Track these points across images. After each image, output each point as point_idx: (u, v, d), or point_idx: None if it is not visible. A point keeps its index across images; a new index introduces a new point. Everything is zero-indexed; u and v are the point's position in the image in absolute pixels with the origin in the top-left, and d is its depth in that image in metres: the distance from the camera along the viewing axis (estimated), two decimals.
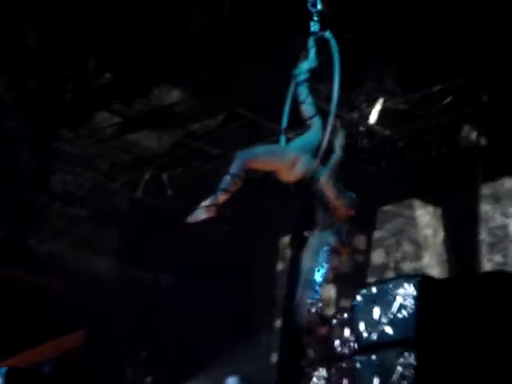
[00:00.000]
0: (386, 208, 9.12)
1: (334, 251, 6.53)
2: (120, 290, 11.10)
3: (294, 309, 6.39)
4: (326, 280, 6.73)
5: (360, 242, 9.14)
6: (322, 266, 6.53)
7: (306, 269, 6.47)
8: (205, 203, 6.20)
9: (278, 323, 10.23)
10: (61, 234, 10.85)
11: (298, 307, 6.47)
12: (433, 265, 8.74)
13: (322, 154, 6.22)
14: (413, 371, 5.90)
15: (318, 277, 6.53)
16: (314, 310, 6.57)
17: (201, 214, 6.21)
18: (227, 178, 6.22)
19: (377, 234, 9.11)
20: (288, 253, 10.29)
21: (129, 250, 11.08)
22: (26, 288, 10.78)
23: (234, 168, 6.24)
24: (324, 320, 6.71)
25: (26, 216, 10.60)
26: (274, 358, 10.15)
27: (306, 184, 6.37)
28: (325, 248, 6.52)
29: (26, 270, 10.65)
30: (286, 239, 10.41)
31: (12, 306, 10.82)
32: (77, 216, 10.74)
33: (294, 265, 6.41)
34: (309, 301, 6.53)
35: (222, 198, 6.25)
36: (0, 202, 10.15)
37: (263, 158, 6.39)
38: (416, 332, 6.03)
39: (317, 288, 6.55)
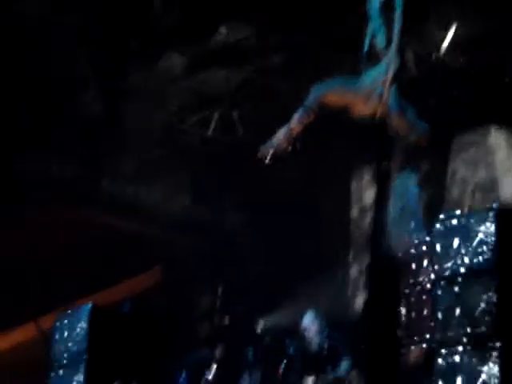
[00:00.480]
0: (461, 137, 9.01)
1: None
2: (193, 228, 11.21)
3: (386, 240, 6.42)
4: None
5: (435, 173, 9.07)
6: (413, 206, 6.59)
7: (396, 205, 6.51)
8: (278, 135, 6.23)
9: (352, 258, 10.26)
10: (132, 174, 10.97)
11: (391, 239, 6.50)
12: (510, 194, 8.64)
13: (391, 83, 6.20)
14: (494, 304, 5.92)
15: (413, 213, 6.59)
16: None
17: (274, 145, 6.25)
18: (301, 110, 6.25)
19: (452, 165, 9.02)
20: (362, 189, 10.33)
21: (200, 188, 11.17)
22: (99, 228, 10.99)
23: (309, 100, 6.26)
24: None
25: (98, 157, 10.72)
26: (349, 293, 10.21)
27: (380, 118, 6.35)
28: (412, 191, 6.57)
29: (99, 210, 10.83)
30: (360, 175, 10.40)
31: (87, 246, 11.03)
32: (148, 156, 10.82)
33: (381, 199, 6.44)
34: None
35: (295, 130, 6.27)
36: (71, 142, 10.30)
37: (338, 90, 6.37)
38: (496, 263, 6.04)
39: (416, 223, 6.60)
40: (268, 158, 6.25)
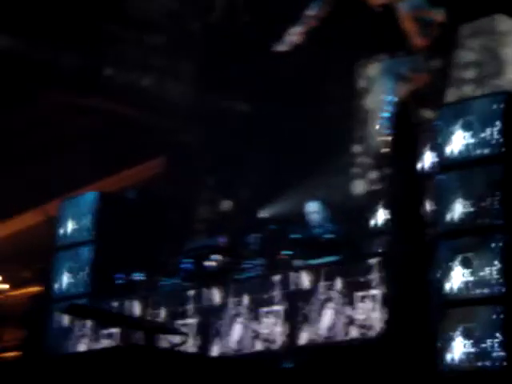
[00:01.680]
0: (468, 25, 8.87)
1: (404, 79, 6.49)
2: (198, 116, 11.18)
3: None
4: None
5: (441, 61, 8.97)
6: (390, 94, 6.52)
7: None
8: (293, 29, 6.14)
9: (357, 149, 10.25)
10: (136, 62, 10.87)
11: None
12: None
13: None
14: (499, 185, 5.92)
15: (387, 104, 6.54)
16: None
17: (289, 40, 6.17)
18: (315, 2, 6.15)
19: (459, 53, 8.90)
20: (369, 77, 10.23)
21: (206, 76, 11.08)
22: (104, 116, 10.98)
23: None
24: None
25: (102, 45, 10.62)
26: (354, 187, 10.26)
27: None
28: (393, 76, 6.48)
29: (105, 98, 10.80)
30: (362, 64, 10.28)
31: (93, 133, 11.06)
32: (152, 43, 10.70)
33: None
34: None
35: (309, 23, 6.19)
36: (74, 30, 10.18)
37: None
38: (502, 147, 6.02)
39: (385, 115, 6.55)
40: (283, 49, 6.22)
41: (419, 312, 6.03)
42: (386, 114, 6.49)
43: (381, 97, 6.53)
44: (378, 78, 6.56)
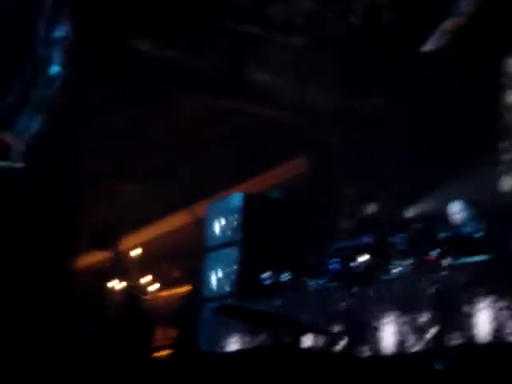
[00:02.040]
0: None
1: None
2: (339, 117, 11.19)
3: None
4: None
5: None
6: None
7: None
8: (442, 28, 6.04)
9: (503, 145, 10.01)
10: (279, 65, 10.97)
11: None
12: None
13: None
14: None
15: None
16: None
17: (438, 39, 6.08)
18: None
19: None
20: None
21: (347, 77, 11.06)
22: (248, 119, 11.14)
23: None
24: None
25: (244, 48, 10.77)
26: (501, 184, 10.00)
27: None
28: None
29: (246, 101, 10.95)
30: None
31: (235, 134, 11.23)
32: (293, 45, 10.77)
33: None
34: None
35: (459, 21, 6.07)
36: (219, 34, 10.37)
37: None
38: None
39: None
40: (431, 48, 6.14)
41: None
42: None
43: None
44: None
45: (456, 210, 8.37)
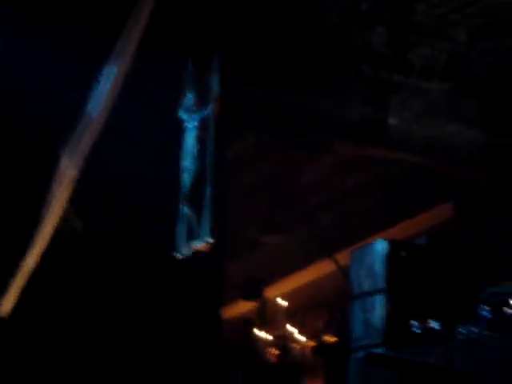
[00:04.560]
0: None
1: None
2: (485, 161, 10.92)
3: None
4: None
5: None
6: None
7: None
8: None
9: None
10: (419, 110, 10.85)
11: None
12: None
13: None
14: None
15: None
16: None
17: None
18: None
19: None
20: None
21: (493, 119, 10.81)
22: (391, 165, 11.04)
23: None
24: None
25: (384, 94, 10.71)
26: None
27: None
28: None
29: (388, 147, 10.87)
30: None
31: (379, 181, 11.14)
32: (435, 90, 10.64)
33: None
34: None
35: None
36: (360, 82, 10.37)
37: None
38: None
39: None
40: None
41: None
42: None
43: None
44: None
45: None
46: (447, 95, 10.61)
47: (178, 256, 8.58)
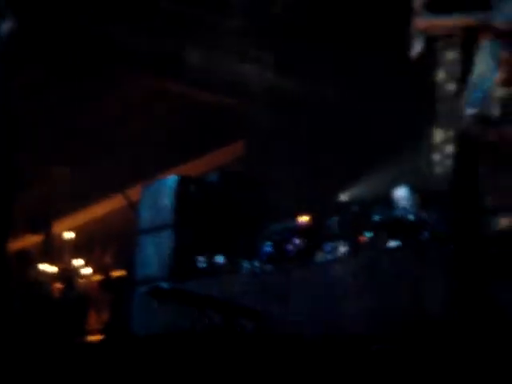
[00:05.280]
0: None
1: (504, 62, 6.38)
2: (278, 102, 11.15)
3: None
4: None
5: None
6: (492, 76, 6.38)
7: (478, 73, 6.33)
8: (415, 35, 6.10)
9: (439, 136, 10.08)
10: (217, 47, 10.89)
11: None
12: None
13: None
14: None
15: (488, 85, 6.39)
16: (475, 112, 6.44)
17: (419, 44, 6.14)
18: None
19: None
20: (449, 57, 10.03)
21: (286, 62, 11.03)
22: (185, 101, 11.05)
23: None
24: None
25: (181, 29, 10.66)
26: (437, 169, 10.09)
27: None
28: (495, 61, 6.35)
29: (183, 82, 10.87)
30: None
31: (174, 118, 11.13)
32: (231, 27, 10.70)
33: (465, 69, 6.27)
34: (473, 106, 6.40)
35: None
36: (155, 16, 10.25)
37: None
38: None
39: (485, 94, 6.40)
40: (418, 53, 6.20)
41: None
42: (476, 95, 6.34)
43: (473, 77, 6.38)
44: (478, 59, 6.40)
45: (401, 195, 8.40)
46: (244, 34, 10.70)
47: None
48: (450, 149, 9.05)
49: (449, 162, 8.91)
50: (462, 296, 5.81)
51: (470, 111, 6.32)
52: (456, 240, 6.08)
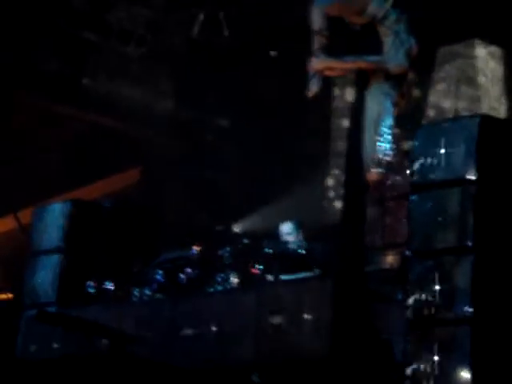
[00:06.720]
0: (445, 48, 8.98)
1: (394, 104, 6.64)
2: (176, 129, 11.22)
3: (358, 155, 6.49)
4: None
5: (417, 85, 9.08)
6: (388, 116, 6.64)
7: (372, 114, 6.56)
8: (312, 75, 6.31)
9: (335, 171, 10.31)
10: (116, 72, 10.90)
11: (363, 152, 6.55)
12: (492, 108, 8.67)
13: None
14: (472, 202, 5.97)
15: (387, 125, 6.64)
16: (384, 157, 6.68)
17: (316, 83, 6.40)
18: (315, 38, 6.35)
19: (435, 76, 9.01)
20: (344, 95, 10.31)
21: (185, 90, 11.12)
22: (81, 125, 10.99)
23: (316, 24, 6.35)
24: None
25: (81, 53, 10.65)
26: (327, 204, 10.32)
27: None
28: (388, 99, 6.60)
29: (80, 107, 10.81)
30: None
31: (69, 142, 11.05)
32: (132, 55, 10.73)
33: (358, 107, 6.49)
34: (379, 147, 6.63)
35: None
36: (54, 38, 10.21)
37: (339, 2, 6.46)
38: (476, 169, 6.08)
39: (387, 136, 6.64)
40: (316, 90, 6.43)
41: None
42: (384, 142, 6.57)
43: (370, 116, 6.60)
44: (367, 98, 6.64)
45: (286, 231, 8.56)
46: (143, 61, 10.75)
47: None
48: (340, 190, 9.30)
49: (339, 203, 9.18)
50: (338, 326, 5.98)
51: (366, 155, 6.55)
52: (339, 274, 6.26)
